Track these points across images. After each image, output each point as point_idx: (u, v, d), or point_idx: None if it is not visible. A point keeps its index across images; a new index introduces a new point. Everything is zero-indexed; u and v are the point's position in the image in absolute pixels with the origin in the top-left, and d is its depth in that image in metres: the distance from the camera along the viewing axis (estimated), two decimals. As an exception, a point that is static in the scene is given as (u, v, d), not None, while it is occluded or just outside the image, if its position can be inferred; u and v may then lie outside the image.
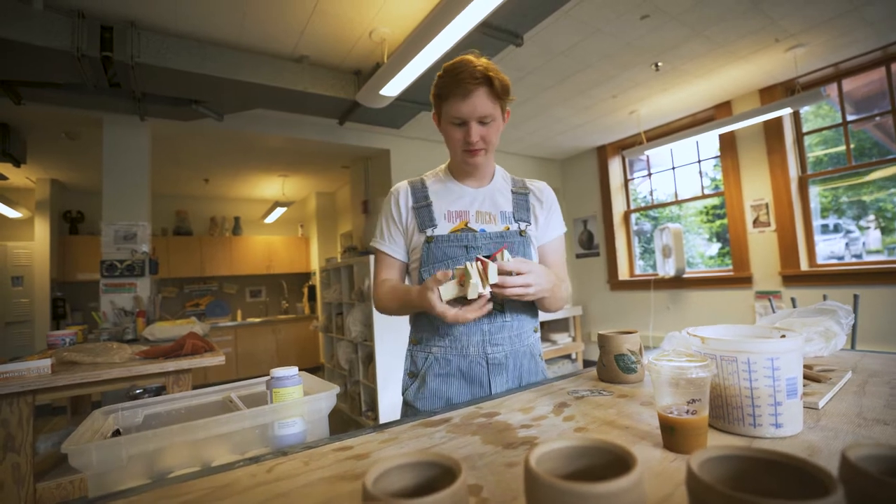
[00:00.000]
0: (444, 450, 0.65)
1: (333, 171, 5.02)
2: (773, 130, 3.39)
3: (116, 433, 0.88)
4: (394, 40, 2.53)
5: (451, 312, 0.89)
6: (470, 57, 0.98)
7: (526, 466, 0.33)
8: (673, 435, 0.58)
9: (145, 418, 0.94)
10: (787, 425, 0.60)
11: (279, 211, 5.54)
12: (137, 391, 1.97)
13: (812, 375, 0.81)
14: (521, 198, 1.12)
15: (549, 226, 1.15)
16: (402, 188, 1.11)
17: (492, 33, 2.20)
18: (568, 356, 4.73)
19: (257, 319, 5.74)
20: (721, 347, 0.63)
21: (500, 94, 0.96)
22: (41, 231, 4.66)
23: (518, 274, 0.89)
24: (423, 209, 1.07)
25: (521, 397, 0.90)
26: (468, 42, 2.13)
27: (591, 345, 4.82)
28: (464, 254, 1.02)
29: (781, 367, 0.59)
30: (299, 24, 2.36)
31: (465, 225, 1.05)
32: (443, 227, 1.04)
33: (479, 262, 0.87)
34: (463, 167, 1.07)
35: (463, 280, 0.88)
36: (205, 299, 5.80)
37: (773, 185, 3.39)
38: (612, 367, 0.96)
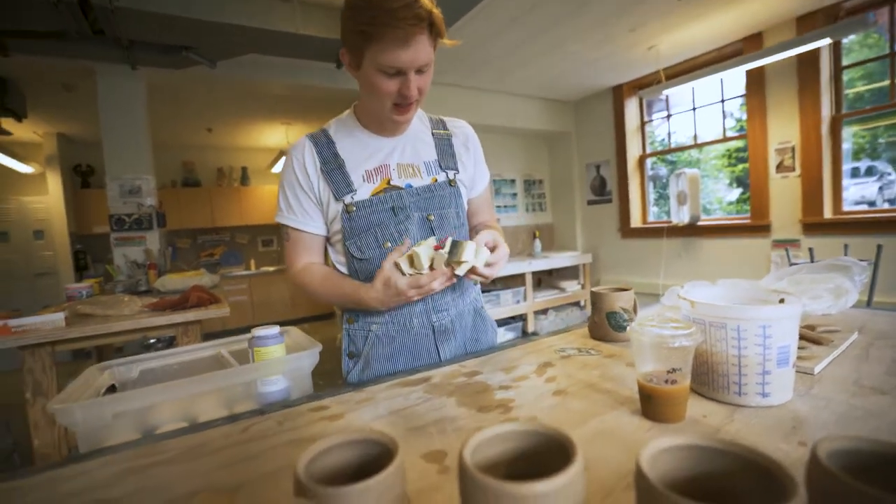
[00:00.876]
0: (416, 412, 0.64)
1: (337, 115, 4.86)
2: (807, 65, 3.10)
3: (112, 388, 0.90)
4: (390, -29, 2.31)
5: (414, 291, 0.80)
6: None
7: (460, 457, 0.30)
8: (651, 404, 0.56)
9: (140, 373, 0.96)
10: (774, 394, 0.57)
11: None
12: (151, 341, 2.04)
13: (812, 337, 0.77)
14: (444, 142, 1.00)
15: (478, 172, 1.05)
16: (303, 147, 0.92)
17: (495, -41, 1.98)
18: (577, 303, 4.74)
19: (271, 268, 5.85)
20: (710, 313, 0.58)
21: (439, 34, 0.79)
22: (54, 185, 4.71)
23: (491, 264, 0.84)
24: (334, 171, 0.90)
25: (507, 354, 0.89)
26: (469, -29, 1.93)
27: (601, 293, 4.80)
28: (391, 218, 0.90)
29: (773, 334, 0.55)
30: (287, -44, 2.17)
31: (388, 183, 0.92)
32: (363, 191, 0.90)
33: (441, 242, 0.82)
34: (387, 122, 0.90)
35: (413, 257, 0.81)
36: (218, 249, 5.90)
37: (801, 127, 3.15)
38: (603, 325, 0.93)
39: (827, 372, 0.67)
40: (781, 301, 0.62)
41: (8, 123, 3.44)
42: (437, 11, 0.77)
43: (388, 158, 0.93)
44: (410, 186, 0.92)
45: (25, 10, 1.98)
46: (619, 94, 4.41)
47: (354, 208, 0.89)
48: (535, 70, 3.85)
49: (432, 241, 0.83)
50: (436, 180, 0.95)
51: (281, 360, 0.80)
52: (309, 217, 0.93)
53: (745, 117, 3.60)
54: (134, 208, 2.98)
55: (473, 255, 0.79)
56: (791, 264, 2.66)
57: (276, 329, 0.84)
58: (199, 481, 0.50)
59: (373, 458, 0.37)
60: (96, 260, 5.03)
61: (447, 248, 0.79)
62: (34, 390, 1.72)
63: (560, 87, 4.38)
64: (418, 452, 0.53)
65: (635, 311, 0.93)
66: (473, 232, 1.05)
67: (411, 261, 0.81)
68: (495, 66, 3.70)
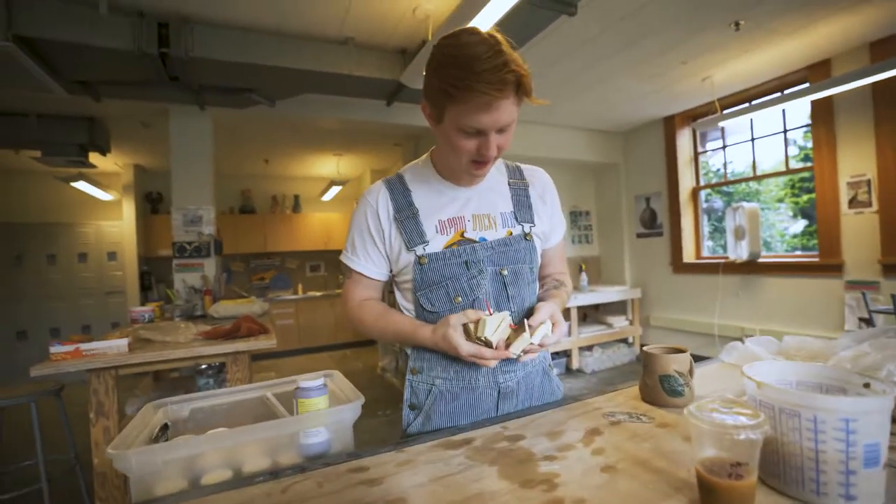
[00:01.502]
0: (457, 481, 0.62)
1: (386, 148, 5.04)
2: (885, 93, 2.89)
3: (164, 427, 0.95)
4: (438, 16, 2.42)
5: (470, 357, 0.80)
6: (484, 35, 0.74)
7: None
8: (712, 498, 0.51)
9: (191, 412, 1.00)
10: (861, 498, 0.50)
11: (335, 189, 5.70)
12: (203, 367, 2.14)
13: (902, 420, 0.68)
14: (521, 192, 0.96)
15: (553, 225, 1.01)
16: (378, 193, 0.91)
17: (542, 3, 2.03)
18: (624, 340, 4.53)
19: (317, 293, 6.04)
20: (780, 398, 0.53)
21: (526, 94, 0.77)
22: (128, 211, 5.15)
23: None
24: (408, 221, 0.89)
25: (551, 417, 0.85)
26: (516, 14, 1.98)
27: (649, 329, 4.57)
28: (464, 272, 0.87)
29: (859, 430, 0.49)
30: (342, 6, 2.32)
31: (462, 235, 0.89)
32: (435, 243, 0.88)
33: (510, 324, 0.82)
34: (463, 175, 0.89)
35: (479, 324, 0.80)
36: (269, 273, 6.18)
37: (878, 160, 2.92)
38: (655, 389, 0.87)
39: (923, 467, 0.59)
40: (867, 386, 0.56)
41: (95, 157, 3.84)
42: (525, 72, 0.74)
43: (463, 209, 0.91)
44: (485, 240, 0.90)
45: (115, 62, 2.24)
46: (670, 124, 4.30)
47: (427, 260, 0.87)
48: (585, 102, 3.84)
49: (508, 318, 0.81)
50: (511, 233, 0.92)
51: (324, 412, 0.81)
52: (372, 263, 0.93)
53: (809, 145, 3.38)
54: (195, 237, 3.19)
55: (536, 338, 0.80)
56: (869, 311, 2.42)
57: (320, 380, 0.85)
58: (240, 548, 0.51)
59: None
60: (159, 280, 5.41)
61: (521, 338, 0.80)
62: (97, 410, 1.84)
63: (609, 119, 4.33)
64: (458, 534, 0.51)
65: (691, 374, 0.87)
66: (541, 285, 1.03)
67: (477, 326, 0.80)
68: (546, 98, 3.72)
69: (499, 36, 0.76)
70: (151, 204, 5.50)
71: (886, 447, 0.51)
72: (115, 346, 1.81)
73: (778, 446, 0.54)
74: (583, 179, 4.99)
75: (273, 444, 0.82)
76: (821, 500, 0.51)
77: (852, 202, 3.07)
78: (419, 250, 0.88)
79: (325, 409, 0.83)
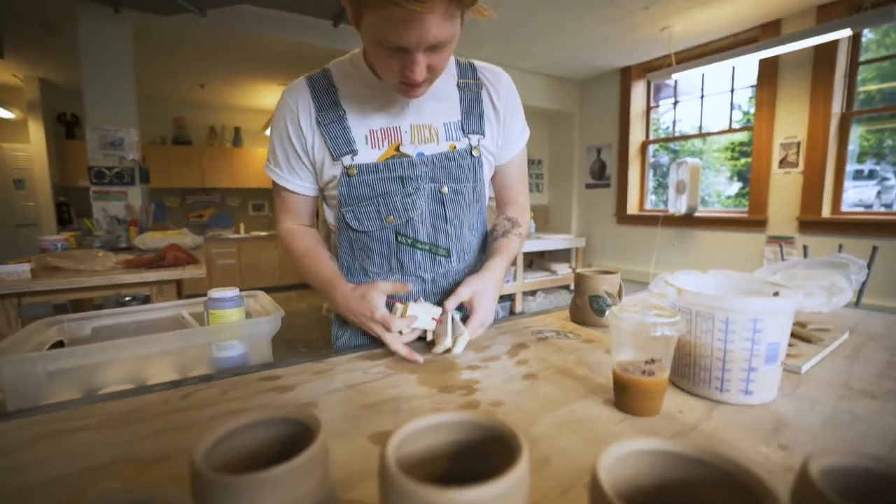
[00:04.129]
0: (374, 388, 0.60)
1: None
2: (824, 57, 3.00)
3: (59, 344, 0.85)
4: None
5: (380, 329, 0.71)
6: None
7: (382, 453, 0.25)
8: (625, 395, 0.51)
9: (93, 331, 0.91)
10: (757, 392, 0.52)
11: (280, 123, 5.30)
12: (126, 299, 1.98)
13: (802, 334, 0.73)
14: (472, 95, 0.83)
15: (510, 135, 0.87)
16: (298, 92, 0.78)
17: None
18: (566, 287, 4.73)
19: (262, 233, 5.76)
20: (697, 302, 0.54)
21: (465, 4, 0.59)
22: (36, 134, 4.54)
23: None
24: (333, 125, 0.76)
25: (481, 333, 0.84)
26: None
27: (592, 279, 4.78)
28: (398, 188, 0.78)
29: (765, 329, 0.50)
30: None
31: (397, 150, 0.79)
32: (365, 154, 0.78)
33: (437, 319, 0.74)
34: (395, 93, 0.73)
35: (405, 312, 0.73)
36: (208, 210, 5.79)
37: (809, 122, 3.08)
38: (584, 308, 0.88)
39: (815, 372, 0.63)
40: (775, 294, 0.57)
41: (-15, 63, 3.28)
42: None
43: (398, 118, 0.79)
44: (422, 155, 0.79)
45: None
46: (627, 75, 4.29)
47: (356, 172, 0.77)
48: (543, 44, 3.71)
49: (435, 311, 0.74)
50: (454, 147, 0.81)
51: (236, 324, 0.75)
52: (296, 175, 0.81)
53: (752, 111, 3.51)
54: (115, 161, 2.87)
55: (456, 342, 0.71)
56: (783, 260, 2.64)
57: (234, 291, 0.79)
58: (122, 450, 0.45)
59: (293, 440, 0.32)
60: (81, 214, 4.91)
61: (445, 329, 0.72)
62: None
63: (567, 65, 4.24)
64: (366, 432, 0.48)
65: (620, 296, 0.88)
66: (492, 226, 0.93)
67: (406, 309, 0.73)
68: (501, 37, 3.56)
69: None
70: (66, 127, 4.87)
71: (786, 346, 0.53)
72: (14, 272, 1.61)
73: (690, 348, 0.55)
74: (537, 127, 4.95)
75: (182, 357, 0.76)
76: (723, 396, 0.53)
77: (782, 162, 3.25)
78: (346, 160, 0.77)
79: (239, 320, 0.77)
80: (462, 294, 0.74)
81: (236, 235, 5.51)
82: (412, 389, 0.59)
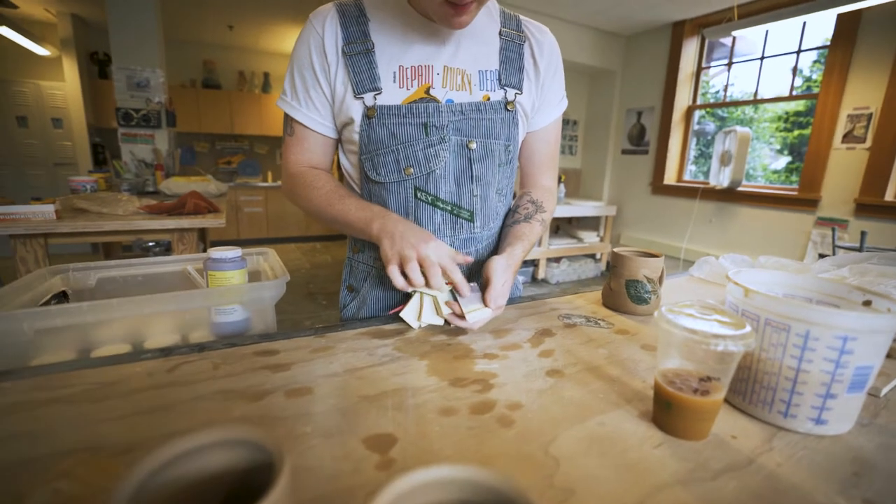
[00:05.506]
0: (377, 374, 0.53)
1: None
2: (912, 15, 2.61)
3: (62, 295, 0.82)
4: None
5: (411, 270, 0.62)
6: None
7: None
8: (668, 413, 0.43)
9: (98, 282, 0.87)
10: (832, 422, 0.43)
11: (309, 71, 5.14)
12: (150, 244, 1.98)
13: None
14: (514, 47, 0.75)
15: (548, 100, 0.80)
16: (325, 17, 0.69)
17: None
18: (592, 256, 4.58)
19: (288, 184, 5.74)
20: (769, 307, 0.43)
21: None
22: (71, 72, 4.53)
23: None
24: (358, 57, 0.68)
25: (502, 315, 0.76)
26: None
27: (618, 247, 4.60)
28: (421, 137, 0.70)
29: (856, 350, 0.40)
30: None
31: (426, 92, 0.70)
32: (391, 93, 0.69)
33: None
34: (437, 19, 0.65)
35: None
36: (236, 158, 5.78)
37: (888, 92, 2.72)
38: (620, 294, 0.78)
39: (896, 394, 0.52)
40: (867, 303, 0.46)
41: (16, -5, 3.22)
42: None
43: (433, 56, 0.70)
44: (451, 102, 0.71)
45: None
46: (678, 32, 3.89)
47: (376, 113, 0.69)
48: (590, -8, 3.37)
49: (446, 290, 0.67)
50: (488, 98, 0.73)
51: (236, 287, 0.69)
52: (315, 109, 0.72)
53: (816, 76, 3.14)
54: (142, 103, 2.82)
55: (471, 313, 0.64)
56: (835, 247, 2.42)
57: (236, 252, 0.72)
58: (89, 433, 0.40)
59: (250, 472, 0.25)
60: (115, 156, 4.97)
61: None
62: (31, 278, 1.70)
63: (613, 16, 3.87)
64: (362, 432, 0.42)
65: (661, 282, 0.78)
66: (514, 205, 0.84)
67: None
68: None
69: None
70: (98, 66, 4.84)
71: (877, 372, 0.43)
72: (39, 212, 1.61)
73: (752, 362, 0.46)
74: (575, 86, 4.62)
75: (180, 320, 0.71)
76: (787, 423, 0.44)
77: (847, 136, 2.93)
78: (368, 99, 0.68)
79: (241, 283, 0.71)
80: (496, 276, 0.66)
81: (264, 184, 5.51)
82: (420, 379, 0.52)
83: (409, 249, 0.62)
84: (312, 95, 0.71)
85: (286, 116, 0.75)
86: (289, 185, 0.78)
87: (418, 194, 0.73)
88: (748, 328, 0.40)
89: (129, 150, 2.82)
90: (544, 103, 0.79)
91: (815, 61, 3.24)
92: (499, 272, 0.66)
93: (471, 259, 0.69)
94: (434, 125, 0.70)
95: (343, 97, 0.70)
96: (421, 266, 0.62)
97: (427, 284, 0.62)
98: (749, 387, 0.46)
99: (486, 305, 0.64)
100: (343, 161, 0.79)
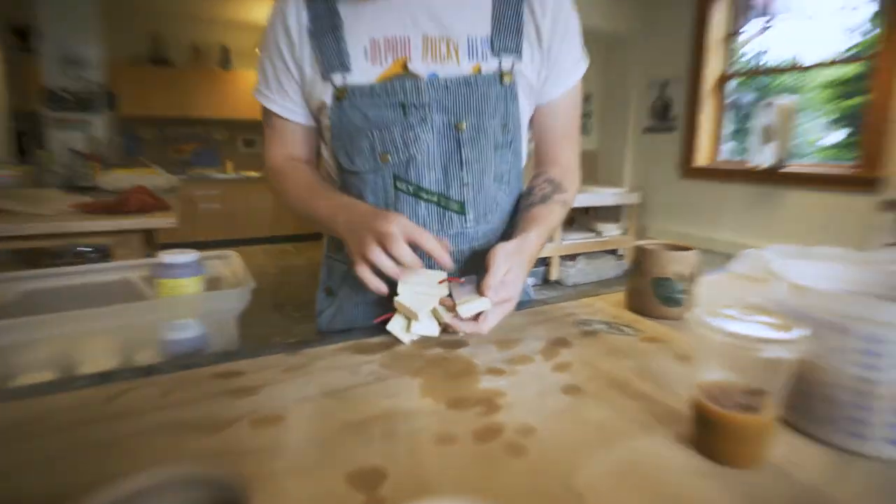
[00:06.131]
0: (362, 396, 0.52)
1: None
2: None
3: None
4: None
5: (385, 260, 0.61)
6: None
7: None
8: (711, 434, 0.42)
9: (23, 296, 0.86)
10: (911, 443, 0.42)
11: (273, 41, 5.14)
12: (86, 249, 1.97)
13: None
14: (508, 6, 0.73)
15: (559, 65, 0.78)
16: None
17: None
18: (614, 252, 4.59)
19: (253, 174, 5.72)
20: (827, 306, 0.43)
21: None
22: (-12, 45, 4.49)
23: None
24: (325, 36, 0.70)
25: (506, 321, 0.75)
26: None
27: (645, 241, 4.63)
28: (398, 118, 0.70)
29: (934, 353, 0.39)
30: None
31: (403, 67, 0.70)
32: (362, 71, 0.70)
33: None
34: None
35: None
36: (190, 145, 5.77)
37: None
38: (646, 294, 0.78)
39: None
40: (943, 297, 0.46)
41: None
42: None
43: (410, 25, 0.70)
44: (435, 77, 0.70)
45: None
46: (708, -15, 3.92)
47: (347, 94, 0.70)
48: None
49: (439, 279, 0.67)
50: (478, 69, 0.72)
51: (191, 298, 0.68)
52: (287, 98, 0.77)
53: (870, 36, 3.15)
54: (75, 83, 2.80)
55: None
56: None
57: (192, 256, 0.71)
58: (2, 486, 0.39)
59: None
60: (42, 146, 4.94)
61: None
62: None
63: (632, -30, 3.88)
64: (344, 467, 0.41)
65: (694, 280, 0.78)
66: (528, 186, 0.83)
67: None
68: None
69: None
70: (21, 38, 4.79)
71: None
72: (-52, 213, 1.59)
73: (809, 373, 0.45)
74: (588, 54, 4.64)
75: (122, 338, 0.70)
76: (858, 446, 0.43)
77: (909, 104, 2.95)
78: (337, 80, 0.70)
79: (195, 293, 0.70)
80: (497, 267, 0.63)
81: (223, 175, 5.50)
82: (413, 401, 0.52)
83: (366, 235, 0.61)
84: (283, 82, 0.76)
85: (263, 108, 0.80)
86: (271, 181, 0.83)
87: (398, 184, 0.73)
88: (801, 330, 0.40)
89: (58, 139, 2.80)
90: (554, 70, 0.78)
91: (872, 17, 3.24)
92: (500, 257, 0.63)
93: (448, 244, 0.66)
94: (413, 104, 0.70)
95: (312, 80, 0.73)
96: (383, 246, 0.59)
97: (400, 265, 0.61)
98: (807, 402, 0.46)
99: (483, 296, 0.62)
100: (323, 150, 0.82)
